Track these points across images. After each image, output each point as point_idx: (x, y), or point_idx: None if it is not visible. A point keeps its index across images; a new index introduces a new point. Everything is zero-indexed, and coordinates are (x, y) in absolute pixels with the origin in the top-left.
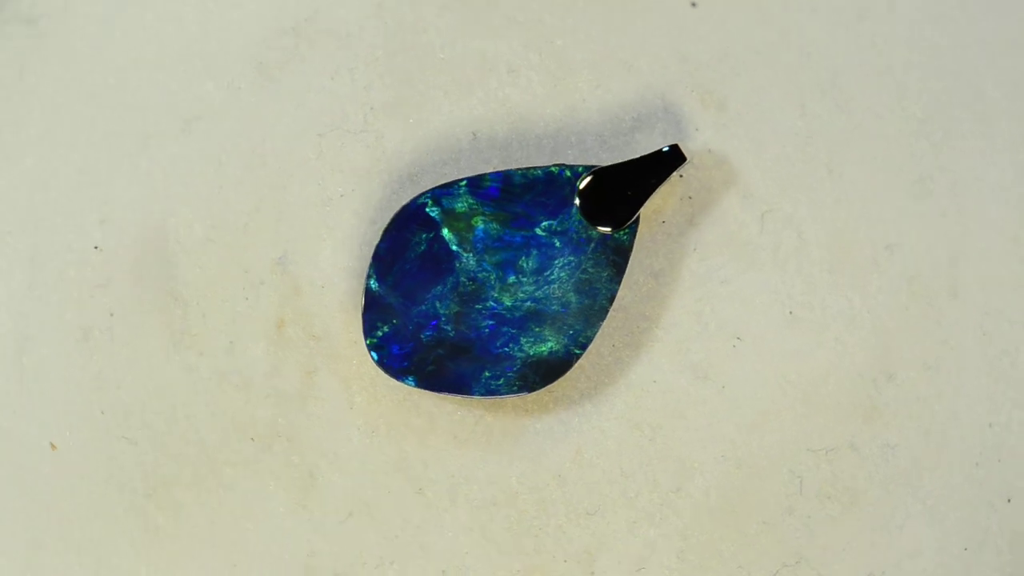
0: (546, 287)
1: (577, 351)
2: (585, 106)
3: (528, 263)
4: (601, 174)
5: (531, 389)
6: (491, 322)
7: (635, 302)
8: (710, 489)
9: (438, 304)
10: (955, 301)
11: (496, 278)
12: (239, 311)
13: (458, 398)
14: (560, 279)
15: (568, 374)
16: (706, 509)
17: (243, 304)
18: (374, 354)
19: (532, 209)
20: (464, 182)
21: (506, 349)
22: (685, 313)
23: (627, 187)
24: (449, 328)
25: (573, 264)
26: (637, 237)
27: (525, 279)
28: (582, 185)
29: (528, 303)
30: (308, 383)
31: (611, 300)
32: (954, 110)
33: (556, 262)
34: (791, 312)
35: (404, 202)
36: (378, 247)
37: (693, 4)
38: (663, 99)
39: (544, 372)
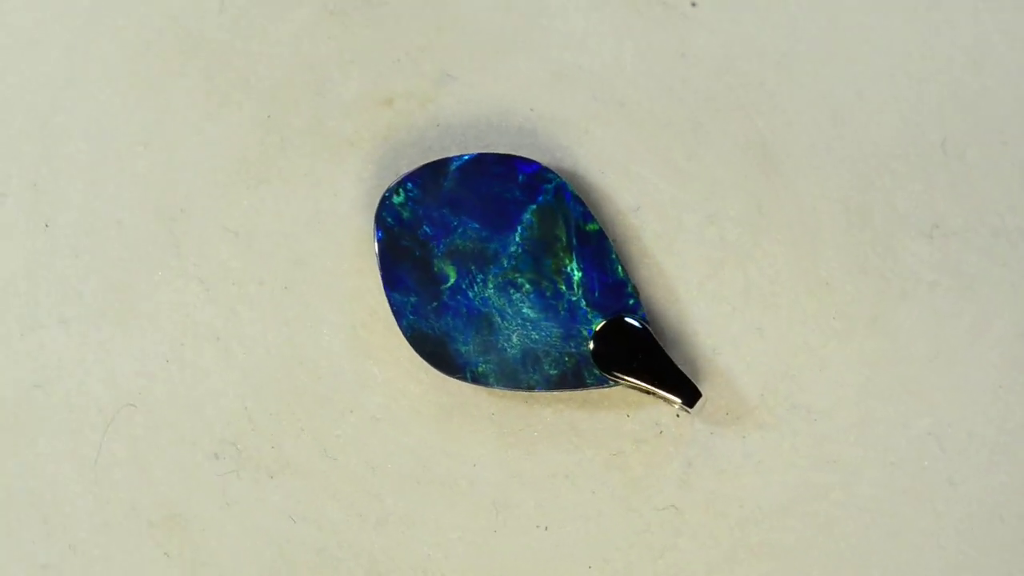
0: (516, 322)
1: (468, 374)
2: (707, 303)
3: (530, 299)
4: (639, 331)
5: (412, 346)
6: (461, 285)
7: (535, 412)
8: None
9: (459, 232)
10: None
11: (505, 273)
12: (383, 59)
13: (385, 299)
14: (529, 331)
15: (432, 394)
16: None
17: (391, 60)
18: (383, 197)
19: (584, 282)
20: (585, 211)
21: (444, 309)
22: (543, 472)
23: (641, 362)
24: (441, 249)
25: (549, 337)
26: (598, 391)
27: (517, 300)
28: (613, 317)
29: (495, 311)
30: (339, 150)
31: (529, 389)
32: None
33: (544, 324)
34: (589, 567)
35: (557, 164)
36: (489, 154)
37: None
38: (743, 375)
39: (433, 352)
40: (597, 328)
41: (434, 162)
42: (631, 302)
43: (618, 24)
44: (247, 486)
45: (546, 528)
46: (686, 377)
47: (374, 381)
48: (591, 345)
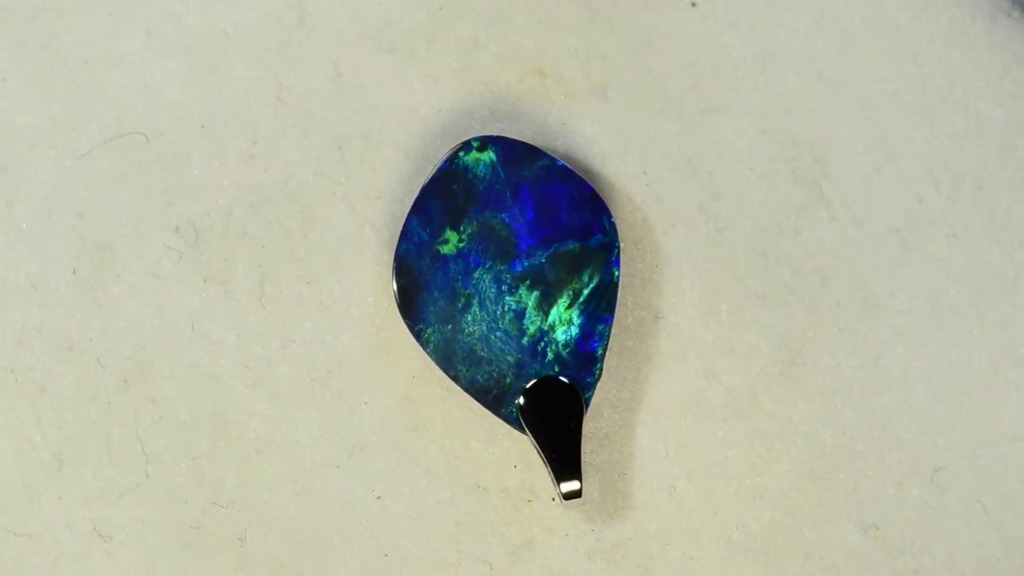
0: (488, 320)
1: (415, 328)
2: (649, 433)
3: (513, 311)
4: (572, 406)
5: (393, 268)
6: (471, 255)
7: (447, 402)
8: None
9: (505, 216)
10: None
11: (513, 276)
12: (566, 42)
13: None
14: (491, 334)
15: (381, 322)
16: None
17: (572, 47)
18: (470, 141)
19: (564, 336)
20: (614, 289)
21: (442, 261)
22: (412, 454)
23: (553, 432)
24: (480, 216)
25: (502, 353)
26: (507, 427)
27: (504, 303)
28: (558, 376)
29: (478, 297)
30: (472, 81)
31: (452, 379)
32: None
33: (507, 340)
34: (386, 555)
35: (624, 227)
36: (579, 175)
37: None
38: (628, 511)
39: (404, 288)
40: (540, 378)
41: (533, 146)
42: (588, 380)
43: (769, 172)
44: (177, 272)
45: (378, 497)
46: (580, 473)
47: (345, 276)
48: (523, 392)
